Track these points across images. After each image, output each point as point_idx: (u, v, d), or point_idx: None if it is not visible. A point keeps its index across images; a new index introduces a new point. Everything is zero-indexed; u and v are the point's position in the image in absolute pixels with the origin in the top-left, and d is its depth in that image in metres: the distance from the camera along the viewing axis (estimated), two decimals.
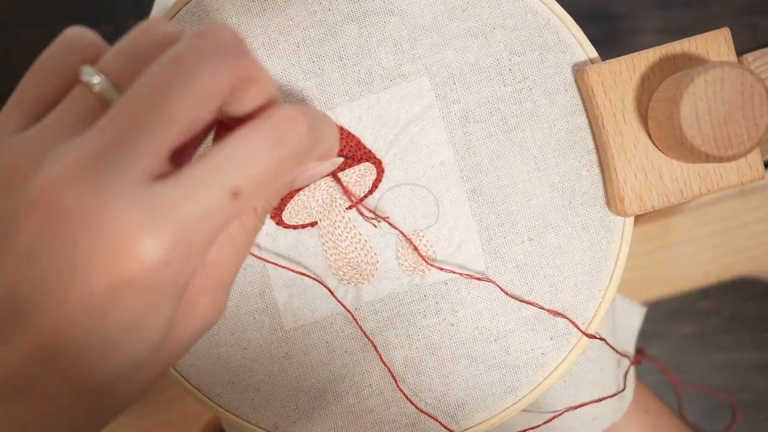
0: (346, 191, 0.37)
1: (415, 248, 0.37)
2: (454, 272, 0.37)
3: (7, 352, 0.23)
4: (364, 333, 0.37)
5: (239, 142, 0.23)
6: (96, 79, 0.24)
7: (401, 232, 0.37)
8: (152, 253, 0.21)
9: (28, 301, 0.22)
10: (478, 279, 0.37)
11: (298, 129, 0.24)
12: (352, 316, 0.37)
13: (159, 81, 0.23)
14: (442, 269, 0.37)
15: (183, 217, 0.22)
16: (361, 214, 0.37)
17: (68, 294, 0.22)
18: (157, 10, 0.43)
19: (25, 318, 0.22)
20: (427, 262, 0.37)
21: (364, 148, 0.37)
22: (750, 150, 0.32)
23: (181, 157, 0.25)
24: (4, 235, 0.23)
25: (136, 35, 0.25)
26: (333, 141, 0.27)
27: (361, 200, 0.37)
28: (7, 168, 0.23)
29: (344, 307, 0.37)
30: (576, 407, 0.42)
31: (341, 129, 0.37)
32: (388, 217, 0.37)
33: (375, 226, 0.37)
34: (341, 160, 0.31)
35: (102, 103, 0.24)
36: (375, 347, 0.37)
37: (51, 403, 0.23)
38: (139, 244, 0.21)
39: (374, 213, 0.37)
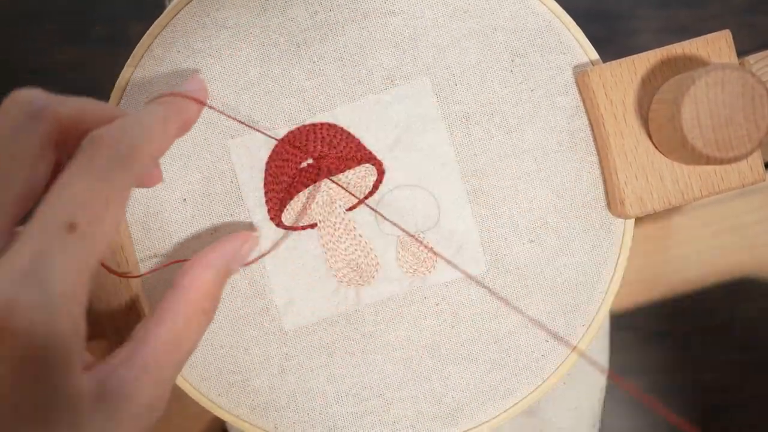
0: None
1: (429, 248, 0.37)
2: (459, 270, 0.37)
3: None
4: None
5: (58, 181, 0.25)
6: None
7: (405, 231, 0.37)
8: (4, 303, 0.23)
9: None
10: (477, 283, 0.37)
11: (104, 144, 0.26)
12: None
13: None
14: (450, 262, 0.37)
15: (21, 267, 0.23)
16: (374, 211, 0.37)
17: None
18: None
19: None
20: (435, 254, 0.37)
21: (365, 149, 0.37)
22: (751, 152, 0.32)
23: None
24: None
25: None
26: (153, 134, 0.29)
27: (362, 201, 0.37)
28: None
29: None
30: None
31: (341, 130, 0.37)
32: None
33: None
34: (257, 235, 0.35)
35: None
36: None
37: None
38: None
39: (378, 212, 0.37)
